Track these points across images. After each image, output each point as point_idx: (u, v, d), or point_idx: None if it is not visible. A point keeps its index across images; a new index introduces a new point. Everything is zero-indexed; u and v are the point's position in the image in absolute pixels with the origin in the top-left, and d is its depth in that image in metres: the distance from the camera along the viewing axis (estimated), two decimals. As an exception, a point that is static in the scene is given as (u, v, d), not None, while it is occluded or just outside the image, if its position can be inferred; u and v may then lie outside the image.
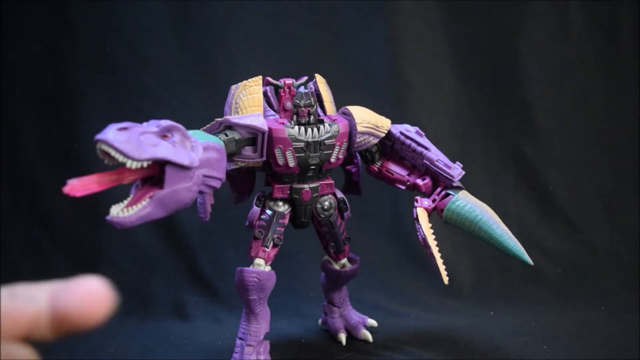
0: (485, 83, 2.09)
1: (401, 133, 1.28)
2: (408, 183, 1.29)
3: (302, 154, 1.20)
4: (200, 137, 1.04)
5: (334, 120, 1.23)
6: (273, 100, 1.26)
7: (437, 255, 1.18)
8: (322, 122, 1.23)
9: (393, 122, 1.31)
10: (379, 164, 1.34)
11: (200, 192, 1.03)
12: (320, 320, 1.53)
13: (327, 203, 1.30)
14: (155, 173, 0.95)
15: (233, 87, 1.25)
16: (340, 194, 1.34)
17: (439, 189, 1.25)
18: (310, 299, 1.72)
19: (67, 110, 1.91)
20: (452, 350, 1.39)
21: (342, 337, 1.43)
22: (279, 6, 1.97)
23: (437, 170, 1.23)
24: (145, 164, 0.90)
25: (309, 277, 1.78)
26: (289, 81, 1.25)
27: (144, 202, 0.93)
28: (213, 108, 1.72)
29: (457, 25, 2.06)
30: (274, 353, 1.28)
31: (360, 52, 2.02)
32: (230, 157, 1.15)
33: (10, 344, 0.40)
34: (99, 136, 0.85)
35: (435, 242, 1.19)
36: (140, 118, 1.00)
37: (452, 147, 1.84)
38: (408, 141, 1.27)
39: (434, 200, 1.24)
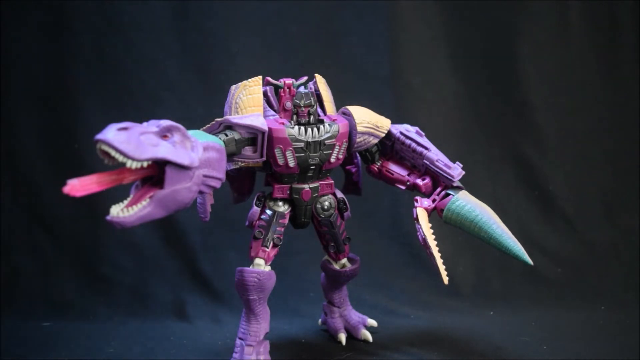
0: (485, 83, 2.09)
1: (401, 133, 1.28)
2: (408, 183, 1.29)
3: (302, 154, 1.20)
4: (200, 137, 1.04)
5: (334, 120, 1.23)
6: (273, 100, 1.26)
7: (437, 255, 1.18)
8: (322, 122, 1.23)
9: (393, 122, 1.31)
10: (379, 164, 1.34)
11: (200, 192, 1.03)
12: (320, 320, 1.53)
13: (327, 203, 1.30)
14: (155, 173, 0.95)
15: (233, 87, 1.25)
16: (340, 194, 1.34)
17: (439, 189, 1.25)
18: (310, 299, 1.72)
19: (67, 111, 1.91)
20: (452, 350, 1.39)
21: (342, 337, 1.43)
22: (279, 6, 1.97)
23: (437, 170, 1.23)
24: (145, 164, 0.90)
25: (309, 277, 1.78)
26: (289, 81, 1.25)
27: (144, 202, 0.93)
28: (213, 108, 1.72)
29: (457, 25, 2.06)
30: (274, 353, 1.28)
31: (360, 52, 2.02)
32: (230, 157, 1.15)
33: None
34: (99, 136, 0.85)
35: (435, 242, 1.19)
36: (140, 118, 1.01)
37: (452, 147, 1.83)
38: (408, 141, 1.27)
39: (433, 200, 1.24)
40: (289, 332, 1.51)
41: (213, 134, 1.12)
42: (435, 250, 1.18)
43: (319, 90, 1.28)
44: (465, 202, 1.19)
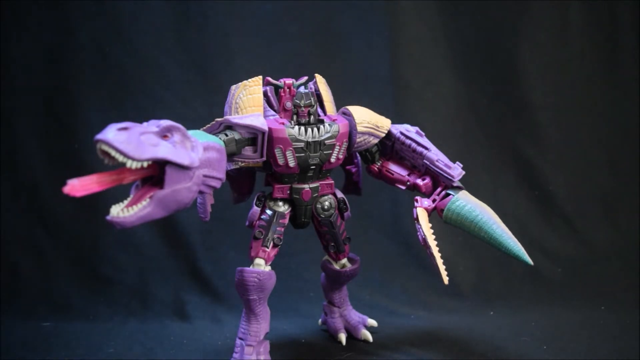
0: (485, 83, 2.09)
1: (401, 133, 1.29)
2: (408, 183, 1.29)
3: (302, 154, 1.20)
4: (200, 137, 1.04)
5: (334, 120, 1.23)
6: (273, 100, 1.26)
7: (437, 255, 1.18)
8: (322, 122, 1.23)
9: (393, 122, 1.31)
10: (379, 164, 1.34)
11: (200, 192, 1.03)
12: (320, 320, 1.53)
13: (327, 203, 1.30)
14: (155, 173, 0.95)
15: (233, 87, 1.25)
16: (340, 194, 1.34)
17: (439, 189, 1.25)
18: (310, 299, 1.72)
19: (67, 111, 1.91)
20: (452, 350, 1.39)
21: (342, 337, 1.43)
22: (279, 6, 1.97)
23: (437, 170, 1.23)
24: (145, 164, 0.90)
25: (309, 277, 1.78)
26: (289, 81, 1.25)
27: (144, 202, 0.93)
28: (213, 108, 1.72)
29: (457, 25, 2.06)
30: (274, 353, 1.28)
31: (360, 52, 2.02)
32: (230, 157, 1.15)
33: None
34: (99, 136, 0.85)
35: (435, 242, 1.19)
36: (140, 118, 1.01)
37: (452, 147, 1.83)
38: (408, 141, 1.27)
39: (434, 200, 1.24)
40: (289, 332, 1.51)
41: (213, 134, 1.12)
42: (435, 250, 1.18)
43: (319, 90, 1.28)
44: (466, 202, 1.19)
